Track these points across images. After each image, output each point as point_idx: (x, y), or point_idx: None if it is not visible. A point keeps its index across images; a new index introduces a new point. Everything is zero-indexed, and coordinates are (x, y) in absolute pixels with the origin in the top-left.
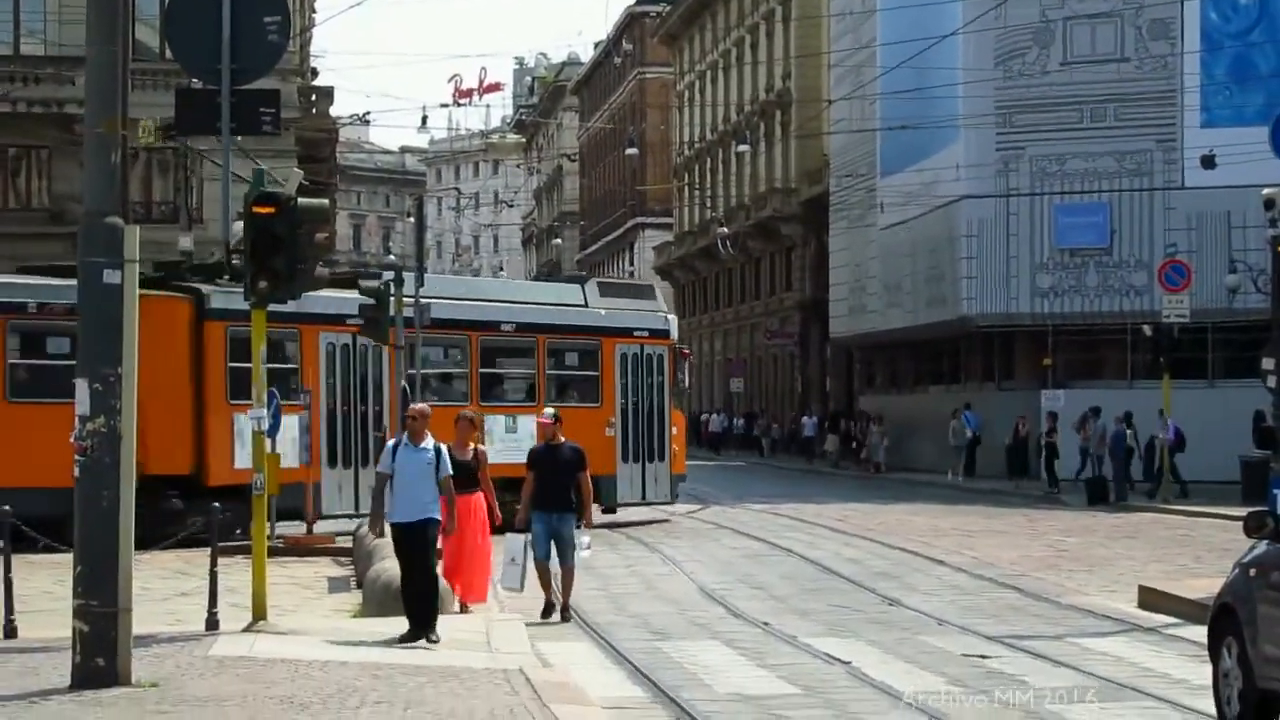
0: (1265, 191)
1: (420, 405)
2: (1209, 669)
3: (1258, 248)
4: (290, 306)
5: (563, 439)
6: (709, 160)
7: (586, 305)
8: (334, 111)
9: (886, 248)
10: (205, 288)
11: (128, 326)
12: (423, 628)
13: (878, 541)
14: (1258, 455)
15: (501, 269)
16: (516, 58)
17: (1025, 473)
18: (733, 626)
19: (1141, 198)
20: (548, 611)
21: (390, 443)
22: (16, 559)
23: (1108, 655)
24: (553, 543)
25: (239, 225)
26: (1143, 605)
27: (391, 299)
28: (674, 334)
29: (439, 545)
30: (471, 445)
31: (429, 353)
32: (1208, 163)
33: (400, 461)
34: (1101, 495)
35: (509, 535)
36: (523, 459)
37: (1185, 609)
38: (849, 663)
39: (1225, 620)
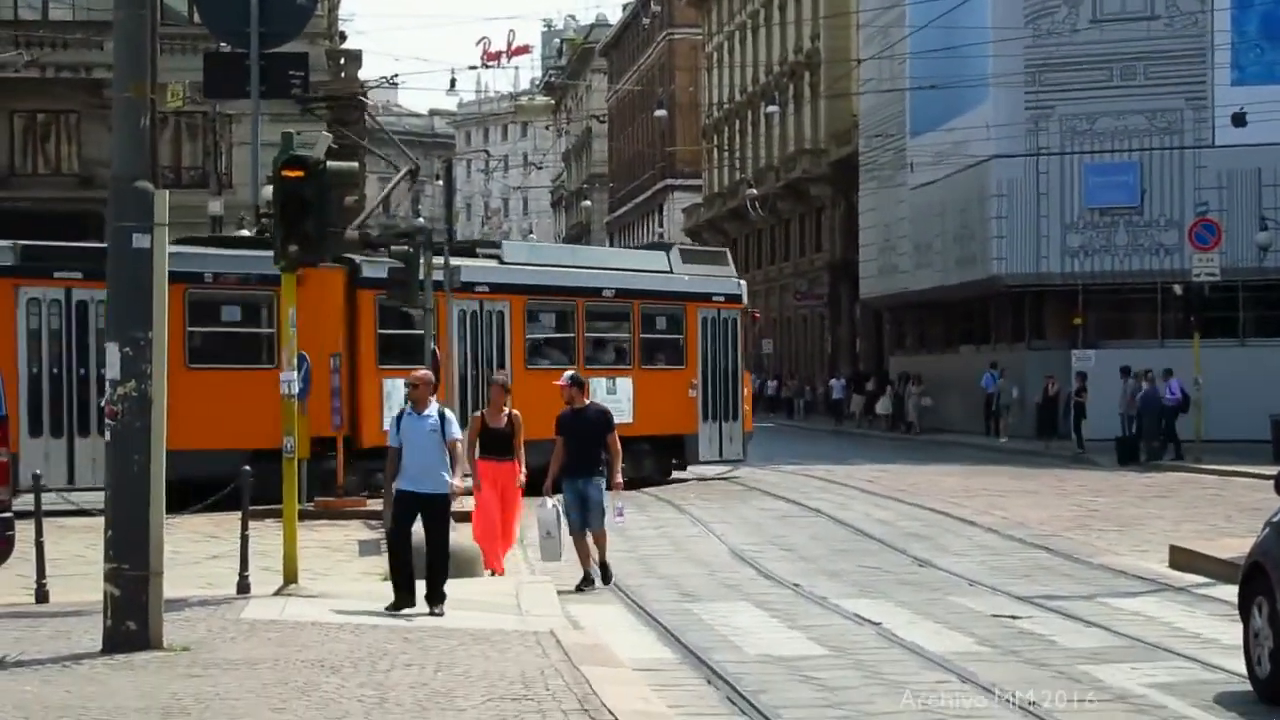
0: None
1: (421, 371)
2: (1240, 629)
3: None
4: None
5: (586, 401)
6: (738, 122)
7: (671, 272)
8: (362, 75)
9: (916, 208)
10: (357, 258)
11: (158, 291)
12: (432, 601)
13: (908, 502)
14: None
15: (531, 232)
16: (545, 20)
17: (1055, 433)
18: (763, 588)
19: (1172, 156)
20: (586, 583)
21: (394, 415)
22: (54, 523)
23: (1138, 615)
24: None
25: (269, 190)
26: (1174, 565)
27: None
28: (745, 298)
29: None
30: (506, 410)
31: (542, 318)
32: (1238, 120)
33: (406, 431)
34: (1132, 455)
35: (540, 508)
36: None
37: (1216, 569)
38: (879, 624)
39: (1256, 579)
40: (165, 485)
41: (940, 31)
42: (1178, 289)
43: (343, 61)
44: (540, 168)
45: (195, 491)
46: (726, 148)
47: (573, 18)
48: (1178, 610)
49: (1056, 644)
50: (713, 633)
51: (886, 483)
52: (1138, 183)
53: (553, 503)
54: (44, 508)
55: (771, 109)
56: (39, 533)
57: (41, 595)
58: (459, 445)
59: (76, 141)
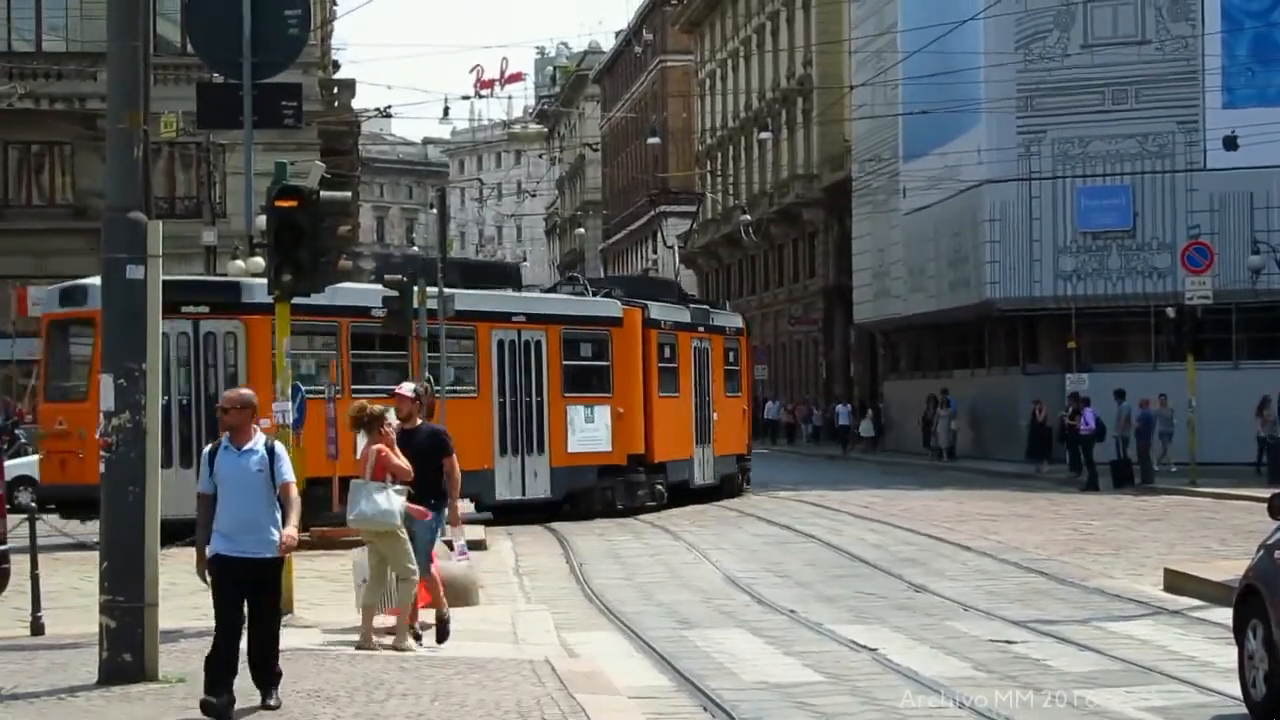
0: None
1: (239, 391)
2: (1234, 652)
3: None
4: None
5: (420, 421)
6: (731, 148)
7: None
8: (356, 104)
9: (909, 232)
10: (648, 301)
11: (152, 322)
12: (264, 686)
13: (902, 527)
14: None
15: (525, 259)
16: (538, 47)
17: (1047, 457)
18: (758, 614)
19: (1164, 179)
20: (441, 631)
21: (207, 449)
22: (50, 555)
23: (1133, 639)
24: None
25: (262, 219)
26: (1168, 588)
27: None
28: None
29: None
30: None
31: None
32: (1230, 144)
33: (221, 471)
34: (1127, 478)
35: (361, 551)
36: None
37: (1211, 591)
38: (875, 649)
39: (1250, 602)
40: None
41: (932, 57)
42: (1171, 312)
43: (336, 91)
44: (534, 195)
45: None
46: (720, 173)
47: (565, 45)
48: (1172, 634)
49: (1052, 668)
50: (708, 659)
51: (880, 508)
52: (1130, 206)
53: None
54: (39, 540)
55: (764, 135)
56: (34, 565)
57: (37, 628)
58: (293, 490)
59: (70, 173)
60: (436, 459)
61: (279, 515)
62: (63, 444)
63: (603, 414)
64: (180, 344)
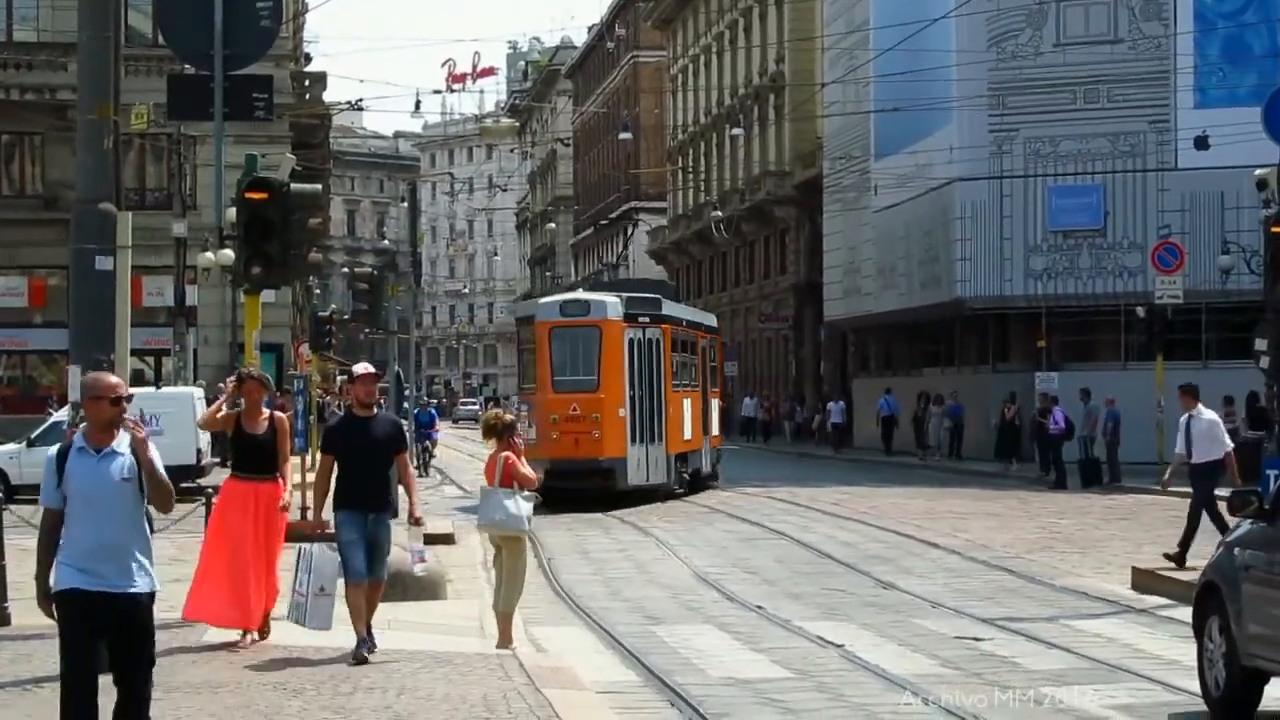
0: (1258, 172)
1: (101, 376)
2: None
3: (1251, 229)
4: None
5: (377, 409)
6: (703, 144)
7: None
8: (327, 97)
9: (880, 230)
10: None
11: (120, 312)
12: None
13: (872, 525)
14: (1251, 436)
15: (496, 254)
16: (510, 42)
17: (1016, 456)
18: (726, 610)
19: (1135, 179)
20: (358, 655)
21: (52, 451)
22: (17, 545)
23: (1100, 637)
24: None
25: (233, 211)
26: (1136, 587)
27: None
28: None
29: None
30: (265, 414)
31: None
32: (1201, 144)
33: (75, 479)
34: (1095, 477)
35: (315, 553)
36: None
37: (1178, 590)
38: (842, 646)
39: (1210, 599)
40: None
41: (905, 54)
42: (1141, 311)
43: (307, 84)
44: (505, 190)
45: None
46: (691, 170)
47: (538, 40)
48: (1139, 632)
49: (1019, 666)
50: (676, 655)
51: (850, 505)
52: (1101, 205)
53: (332, 549)
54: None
55: (736, 131)
56: (0, 555)
57: (3, 618)
58: (169, 492)
59: (40, 163)
60: (391, 453)
61: (150, 538)
62: (575, 426)
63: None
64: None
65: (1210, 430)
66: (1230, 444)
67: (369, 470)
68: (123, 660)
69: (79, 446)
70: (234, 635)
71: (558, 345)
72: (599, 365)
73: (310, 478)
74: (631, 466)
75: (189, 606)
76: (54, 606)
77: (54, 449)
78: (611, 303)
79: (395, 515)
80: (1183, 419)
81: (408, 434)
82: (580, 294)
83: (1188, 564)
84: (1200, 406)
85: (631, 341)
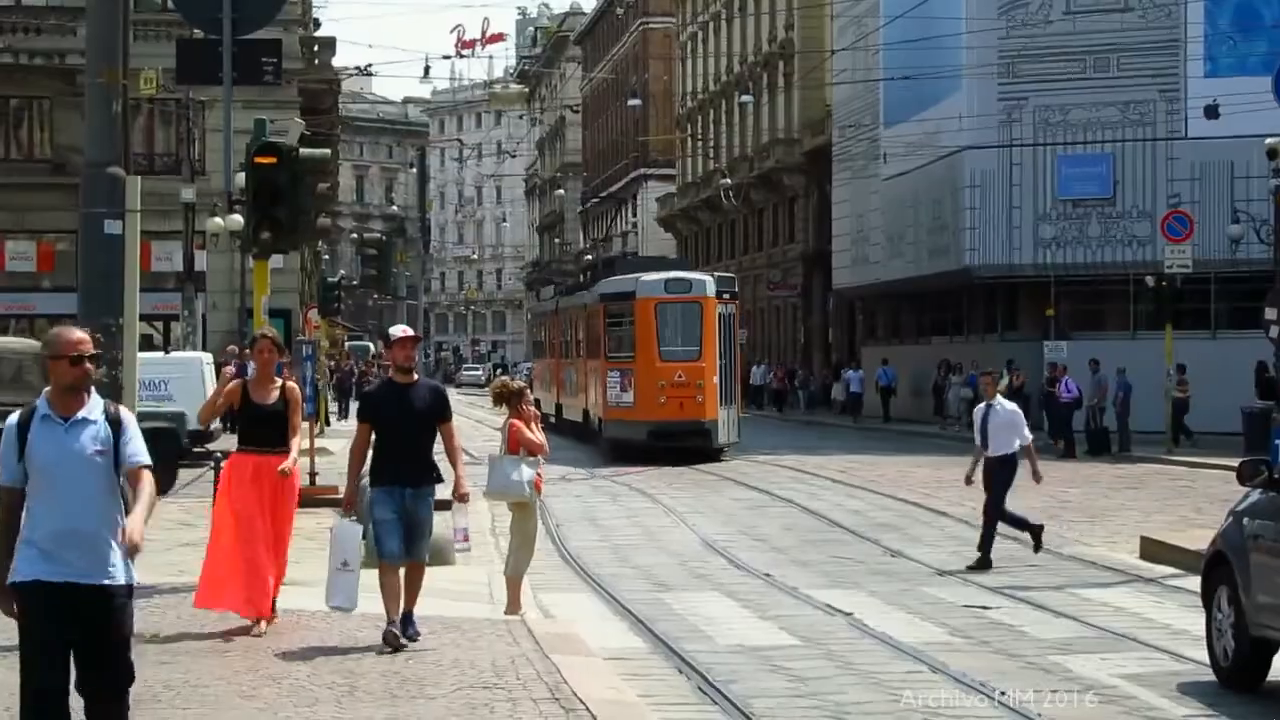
0: (1268, 141)
1: (63, 331)
2: None
3: (1261, 198)
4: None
5: (417, 375)
6: (712, 111)
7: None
8: (336, 62)
9: (889, 198)
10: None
11: (129, 276)
12: None
13: (880, 493)
14: (1260, 406)
15: (505, 220)
16: (519, 8)
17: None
18: (734, 578)
19: (1144, 148)
20: (390, 642)
21: (12, 419)
22: None
23: (1108, 606)
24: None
25: (241, 176)
26: (1144, 556)
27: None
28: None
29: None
30: (278, 382)
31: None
32: (1211, 113)
33: (38, 452)
34: (1103, 446)
35: (339, 527)
36: None
37: (1186, 559)
38: (850, 614)
39: (1219, 569)
40: None
41: (914, 22)
42: (1150, 281)
43: (316, 49)
44: (514, 156)
45: None
46: (700, 137)
47: (547, 5)
48: (1148, 601)
49: (1027, 635)
50: (684, 622)
51: (858, 473)
52: (1110, 174)
53: (354, 520)
54: None
55: (745, 99)
56: None
57: None
58: (146, 478)
59: (49, 128)
60: (434, 423)
61: (123, 520)
62: (681, 391)
63: None
64: (723, 324)
65: (1011, 420)
66: (1030, 436)
67: (409, 441)
68: (93, 660)
69: (43, 414)
70: (245, 621)
71: (663, 319)
72: (701, 337)
73: (320, 444)
74: (721, 428)
75: (200, 595)
76: (13, 602)
77: (14, 416)
78: (709, 281)
79: (440, 480)
80: (979, 409)
81: None
82: (681, 273)
83: (1194, 535)
84: (1000, 396)
85: (720, 316)
